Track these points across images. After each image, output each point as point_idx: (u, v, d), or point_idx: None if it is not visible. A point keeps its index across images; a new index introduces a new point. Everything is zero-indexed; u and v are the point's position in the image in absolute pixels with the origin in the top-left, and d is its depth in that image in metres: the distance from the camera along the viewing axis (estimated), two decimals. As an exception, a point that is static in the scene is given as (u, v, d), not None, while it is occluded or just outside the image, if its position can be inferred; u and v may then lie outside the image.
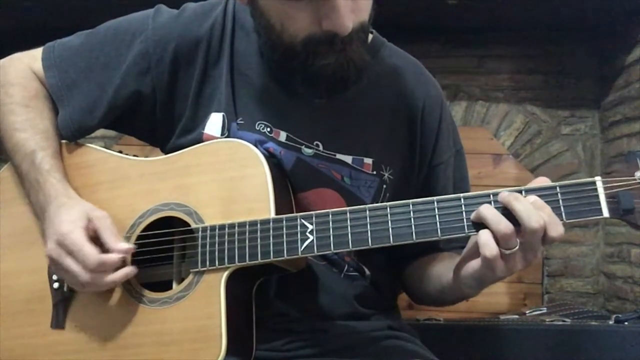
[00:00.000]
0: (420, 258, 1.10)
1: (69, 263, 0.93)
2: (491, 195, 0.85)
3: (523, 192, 0.84)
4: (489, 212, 0.82)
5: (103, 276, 0.93)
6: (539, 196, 0.83)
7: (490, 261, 0.81)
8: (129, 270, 0.95)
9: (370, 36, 1.08)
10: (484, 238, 0.81)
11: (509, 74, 2.74)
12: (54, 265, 0.96)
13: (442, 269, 1.01)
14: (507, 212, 0.81)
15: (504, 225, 0.80)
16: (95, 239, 0.95)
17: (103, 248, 0.94)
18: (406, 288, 1.17)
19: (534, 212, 0.80)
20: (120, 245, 0.94)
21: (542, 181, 0.85)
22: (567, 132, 2.70)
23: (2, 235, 1.07)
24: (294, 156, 1.03)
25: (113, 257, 0.93)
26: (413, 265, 1.11)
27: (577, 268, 2.66)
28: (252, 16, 0.99)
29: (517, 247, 0.81)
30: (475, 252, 0.85)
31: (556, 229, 0.81)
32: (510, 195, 0.82)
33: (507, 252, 0.81)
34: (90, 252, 0.92)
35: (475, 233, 0.84)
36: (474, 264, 0.86)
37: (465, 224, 0.85)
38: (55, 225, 0.95)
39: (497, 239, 0.81)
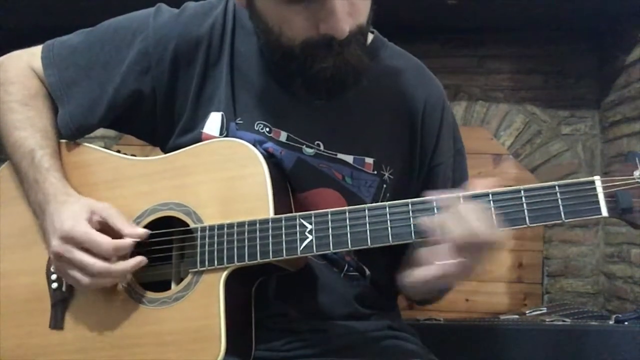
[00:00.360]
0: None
1: (79, 255, 0.92)
2: (490, 195, 0.85)
3: (461, 199, 0.85)
4: (433, 221, 0.84)
5: (115, 265, 0.93)
6: (537, 195, 0.83)
7: (445, 274, 0.85)
8: (140, 258, 0.94)
9: (371, 36, 1.08)
10: (439, 250, 0.84)
11: (509, 74, 2.74)
12: (59, 262, 0.95)
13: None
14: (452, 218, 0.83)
15: (444, 235, 0.83)
16: (101, 231, 0.94)
17: (112, 236, 0.94)
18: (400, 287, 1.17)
19: (470, 218, 0.82)
20: (136, 230, 0.95)
21: (487, 183, 0.87)
22: (567, 132, 2.70)
23: (1, 235, 1.07)
24: (294, 156, 1.03)
25: (128, 241, 0.94)
26: (402, 265, 1.11)
27: (577, 268, 2.66)
28: (250, 19, 0.99)
29: (466, 257, 0.84)
30: (424, 260, 0.88)
31: (493, 233, 0.83)
32: (448, 201, 0.85)
33: (457, 261, 0.84)
34: (104, 239, 0.92)
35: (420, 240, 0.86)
36: (424, 272, 0.88)
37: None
38: (56, 222, 0.95)
39: (449, 248, 0.83)
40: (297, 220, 0.91)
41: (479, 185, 0.87)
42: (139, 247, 0.98)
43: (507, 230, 0.84)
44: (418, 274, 0.90)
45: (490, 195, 0.85)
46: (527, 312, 2.23)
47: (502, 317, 2.20)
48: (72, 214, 0.95)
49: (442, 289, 0.91)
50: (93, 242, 0.92)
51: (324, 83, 0.93)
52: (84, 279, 0.94)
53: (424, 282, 0.90)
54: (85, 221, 0.94)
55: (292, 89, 1.02)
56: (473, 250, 0.83)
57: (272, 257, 0.90)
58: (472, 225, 0.82)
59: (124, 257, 0.94)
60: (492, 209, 0.84)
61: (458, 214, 0.82)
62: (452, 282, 0.86)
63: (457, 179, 1.12)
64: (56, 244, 0.94)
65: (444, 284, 0.87)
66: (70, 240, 0.93)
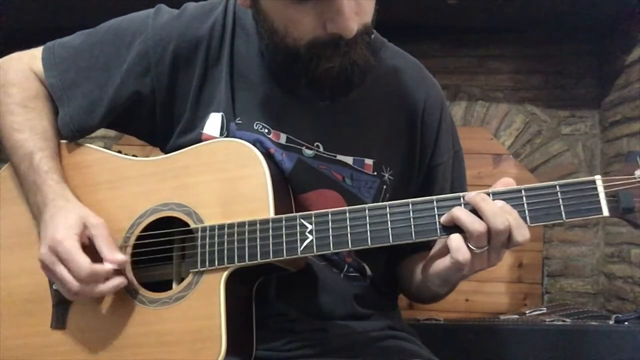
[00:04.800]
0: (412, 255, 1.10)
1: (61, 271, 0.92)
2: (490, 195, 0.85)
3: (491, 195, 0.85)
4: (462, 212, 0.84)
5: (94, 286, 0.93)
6: (539, 195, 0.84)
7: (462, 265, 0.83)
8: (119, 281, 0.94)
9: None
10: (457, 243, 0.83)
11: (509, 74, 2.75)
12: (46, 271, 0.95)
13: (419, 268, 1.02)
14: (476, 214, 0.83)
15: (478, 224, 0.82)
16: (90, 247, 0.94)
17: (97, 256, 0.93)
18: (398, 284, 1.17)
19: (500, 213, 0.82)
20: (115, 256, 0.94)
21: (508, 181, 0.87)
22: (567, 132, 2.70)
23: (2, 236, 1.07)
24: (294, 157, 1.03)
25: (106, 267, 0.93)
26: (404, 262, 1.12)
27: (577, 268, 2.66)
28: (254, 19, 0.98)
29: (486, 247, 0.83)
30: (441, 253, 0.88)
31: (522, 232, 0.82)
32: (477, 196, 0.84)
33: (478, 251, 0.83)
34: (83, 261, 0.91)
35: (446, 237, 0.85)
36: (441, 264, 0.88)
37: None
38: (50, 229, 0.95)
39: (472, 238, 0.82)
40: (298, 220, 0.90)
41: (501, 184, 0.87)
42: (139, 248, 0.98)
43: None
44: (436, 265, 0.89)
45: (491, 195, 0.85)
46: (527, 312, 2.23)
47: (502, 317, 2.20)
48: (65, 224, 0.95)
49: (454, 281, 0.91)
50: (73, 262, 0.91)
51: (329, 83, 0.93)
52: (65, 293, 0.95)
53: (437, 274, 0.90)
54: (75, 235, 0.94)
55: (294, 90, 1.01)
56: (497, 245, 0.83)
57: (273, 257, 0.90)
58: (521, 222, 0.82)
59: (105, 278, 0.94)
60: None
61: (491, 209, 0.82)
62: (465, 274, 0.86)
63: (455, 180, 1.12)
64: (44, 252, 0.94)
65: (457, 276, 0.87)
66: (55, 252, 0.93)
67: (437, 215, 0.86)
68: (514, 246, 0.83)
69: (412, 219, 0.87)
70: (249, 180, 0.94)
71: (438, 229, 0.86)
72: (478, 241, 0.82)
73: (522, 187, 0.85)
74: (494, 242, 0.83)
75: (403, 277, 1.13)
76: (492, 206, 0.82)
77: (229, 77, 1.05)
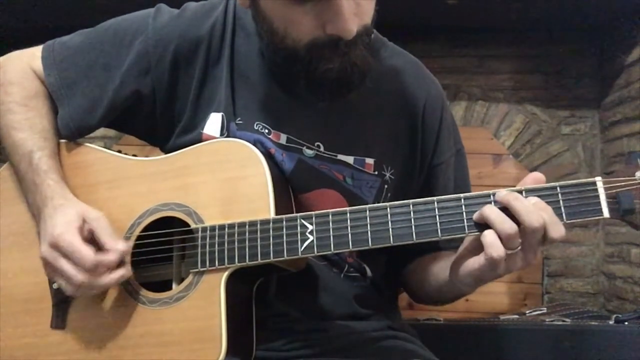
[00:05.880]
0: (421, 257, 1.10)
1: (64, 265, 0.92)
2: (492, 195, 0.85)
3: (523, 193, 0.83)
4: (492, 212, 0.82)
5: (98, 278, 0.92)
6: (539, 197, 0.83)
7: (496, 262, 0.81)
8: (124, 271, 0.94)
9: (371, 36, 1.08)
10: (491, 239, 0.81)
11: (509, 74, 2.75)
12: (48, 268, 0.95)
13: (441, 268, 1.01)
14: (508, 213, 0.81)
15: (508, 225, 0.80)
16: (91, 240, 0.94)
17: (99, 249, 0.93)
18: (406, 287, 1.16)
19: (534, 211, 0.80)
20: (118, 245, 0.93)
21: (537, 177, 0.85)
22: (567, 132, 2.71)
23: (1, 235, 1.07)
24: (295, 157, 1.02)
25: (110, 257, 0.92)
26: (413, 264, 1.11)
27: (577, 268, 2.66)
28: (253, 20, 0.98)
29: (519, 248, 0.81)
30: (472, 250, 0.86)
31: (557, 229, 0.81)
32: (509, 195, 0.82)
33: (510, 252, 0.81)
34: (86, 252, 0.91)
35: (476, 233, 0.84)
36: (473, 263, 0.86)
37: (465, 224, 0.85)
38: (49, 227, 0.94)
39: (502, 239, 0.80)
40: (298, 220, 0.90)
41: (529, 180, 0.85)
42: (139, 248, 0.98)
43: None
44: (468, 264, 0.87)
45: (492, 196, 0.85)
46: (527, 312, 2.23)
47: (502, 317, 2.20)
48: (64, 219, 0.94)
49: (488, 280, 0.89)
50: (76, 254, 0.91)
51: (328, 84, 0.92)
52: (68, 288, 0.94)
53: (469, 273, 0.87)
54: (75, 229, 0.93)
55: (294, 91, 1.01)
56: (532, 243, 0.81)
57: (273, 258, 0.90)
58: (555, 218, 0.81)
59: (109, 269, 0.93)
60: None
61: (525, 207, 0.80)
62: (501, 273, 0.84)
63: (459, 179, 1.12)
64: (45, 249, 0.94)
65: (491, 275, 0.85)
66: (57, 247, 0.92)
67: (437, 216, 0.86)
68: (550, 243, 0.82)
69: (412, 220, 0.86)
70: (250, 180, 0.94)
71: (466, 227, 0.84)
72: (508, 242, 0.80)
73: (523, 188, 0.84)
74: (530, 240, 0.81)
75: (415, 281, 1.12)
76: (524, 204, 0.80)
77: (229, 77, 1.05)
